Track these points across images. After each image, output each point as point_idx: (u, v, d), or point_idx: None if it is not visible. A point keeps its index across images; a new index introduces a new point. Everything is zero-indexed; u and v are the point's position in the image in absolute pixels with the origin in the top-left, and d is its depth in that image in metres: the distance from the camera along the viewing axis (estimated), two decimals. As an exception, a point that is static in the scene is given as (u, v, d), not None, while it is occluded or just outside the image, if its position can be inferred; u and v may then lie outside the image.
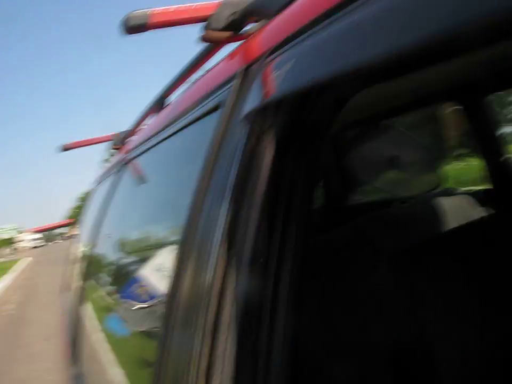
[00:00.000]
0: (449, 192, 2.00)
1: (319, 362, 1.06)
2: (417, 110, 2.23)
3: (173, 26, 0.95)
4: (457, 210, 1.84)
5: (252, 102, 0.65)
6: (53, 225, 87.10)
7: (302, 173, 0.63)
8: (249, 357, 0.58)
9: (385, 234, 1.52)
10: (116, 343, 1.42)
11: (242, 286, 0.58)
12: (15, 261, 29.30)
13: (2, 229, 65.86)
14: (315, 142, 0.65)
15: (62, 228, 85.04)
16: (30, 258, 30.73)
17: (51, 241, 78.42)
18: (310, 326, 1.19)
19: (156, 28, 0.93)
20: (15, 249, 58.93)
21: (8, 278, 16.95)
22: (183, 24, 0.94)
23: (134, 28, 0.89)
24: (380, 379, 0.98)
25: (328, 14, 0.47)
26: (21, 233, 74.93)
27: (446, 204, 1.89)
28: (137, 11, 0.88)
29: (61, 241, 71.74)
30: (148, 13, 0.87)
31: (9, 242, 66.38)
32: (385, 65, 0.40)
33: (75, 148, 2.24)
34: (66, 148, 2.24)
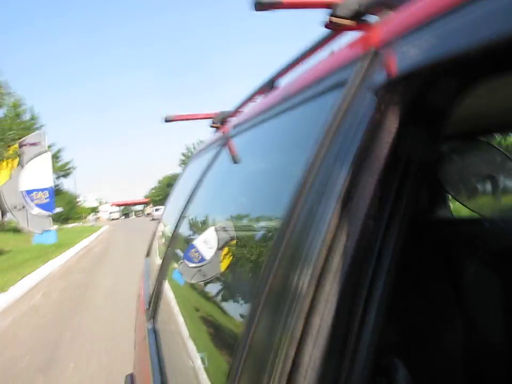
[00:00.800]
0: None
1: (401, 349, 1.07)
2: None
3: (300, 8, 0.99)
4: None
5: (378, 79, 0.68)
6: (130, 202, 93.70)
7: (420, 156, 0.66)
8: (340, 340, 0.60)
9: (469, 250, 1.50)
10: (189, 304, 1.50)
11: (351, 244, 0.61)
12: (99, 227, 39.51)
13: (85, 197, 69.96)
14: (434, 127, 0.67)
15: (137, 206, 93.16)
16: (107, 226, 40.98)
17: (125, 216, 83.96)
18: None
19: (284, 8, 0.97)
20: (98, 217, 62.50)
21: (95, 234, 28.24)
22: (310, 7, 0.97)
23: (263, 4, 0.94)
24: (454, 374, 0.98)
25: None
26: (101, 204, 79.76)
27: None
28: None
29: (134, 217, 78.93)
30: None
31: (94, 210, 70.58)
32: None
33: (177, 120, 2.32)
34: (168, 119, 2.32)
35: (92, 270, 11.91)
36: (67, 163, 44.33)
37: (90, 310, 6.94)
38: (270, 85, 1.51)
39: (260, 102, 1.54)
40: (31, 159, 18.74)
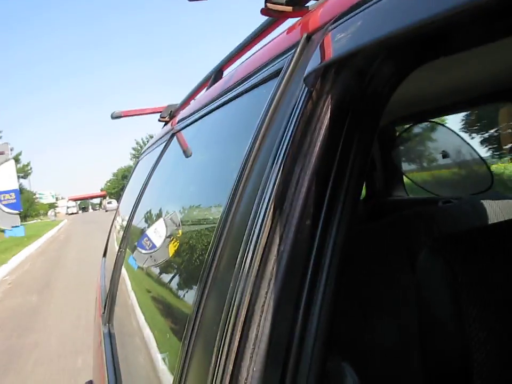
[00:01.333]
0: (497, 196, 1.94)
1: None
2: (471, 108, 2.19)
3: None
4: (503, 215, 1.80)
5: (312, 66, 0.65)
6: (87, 196, 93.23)
7: (356, 144, 0.63)
8: (290, 311, 0.57)
9: (428, 229, 1.51)
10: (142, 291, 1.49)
11: (288, 243, 0.58)
12: (59, 221, 43.20)
13: (42, 194, 69.65)
14: (371, 114, 0.65)
15: (95, 199, 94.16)
16: (66, 220, 44.66)
17: (83, 210, 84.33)
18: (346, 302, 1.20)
19: None
20: (56, 213, 62.92)
21: (57, 227, 30.74)
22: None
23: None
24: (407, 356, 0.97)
25: None
26: (58, 200, 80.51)
27: (491, 207, 1.84)
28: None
29: (92, 210, 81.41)
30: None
31: (52, 206, 70.41)
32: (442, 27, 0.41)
33: (125, 116, 2.26)
34: (116, 116, 2.26)
35: (60, 249, 16.39)
36: (27, 165, 47.04)
37: (63, 268, 11.43)
38: (215, 76, 1.47)
39: (205, 94, 1.51)
40: (-2, 166, 21.41)
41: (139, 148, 65.06)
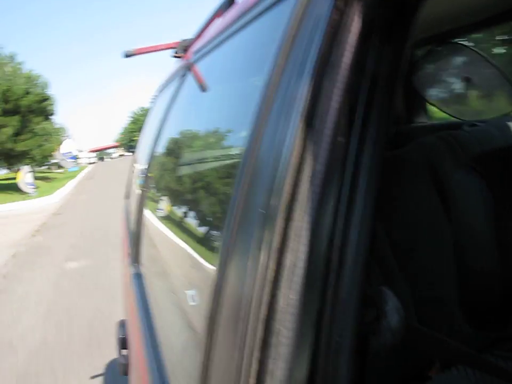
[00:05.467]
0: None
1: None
2: (496, 27, 2.08)
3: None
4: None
5: None
6: (104, 147, 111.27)
7: (386, 54, 0.59)
8: (326, 234, 0.55)
9: (453, 153, 1.47)
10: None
11: (321, 163, 0.56)
12: (83, 168, 60.05)
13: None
14: (402, 23, 0.60)
15: (110, 149, 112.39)
16: (89, 167, 61.87)
17: (101, 160, 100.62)
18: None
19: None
20: (79, 163, 71.40)
21: (84, 172, 47.33)
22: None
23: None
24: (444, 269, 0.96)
25: None
26: (80, 152, 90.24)
27: (518, 128, 1.79)
28: None
29: (109, 159, 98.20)
30: None
31: (76, 158, 79.57)
32: None
33: (138, 54, 2.18)
34: (129, 54, 2.18)
35: (93, 177, 33.83)
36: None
37: (97, 175, 35.73)
38: (227, 4, 1.41)
39: (219, 22, 1.45)
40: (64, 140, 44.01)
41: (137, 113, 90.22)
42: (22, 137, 26.35)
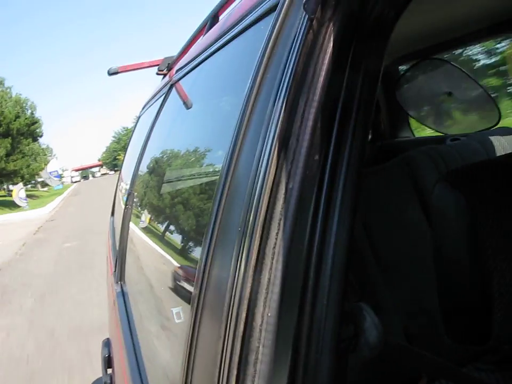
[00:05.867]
0: (505, 132, 1.90)
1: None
2: (477, 42, 2.12)
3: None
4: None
5: None
6: (87, 166, 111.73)
7: (363, 74, 0.59)
8: (302, 251, 0.55)
9: (436, 167, 1.49)
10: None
11: (296, 180, 0.56)
12: (67, 186, 63.35)
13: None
14: (377, 41, 0.61)
15: (94, 168, 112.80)
16: (73, 186, 65.07)
17: (85, 179, 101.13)
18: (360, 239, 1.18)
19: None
20: (63, 182, 71.95)
21: (69, 189, 47.79)
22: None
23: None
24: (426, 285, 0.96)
25: None
26: (64, 171, 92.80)
27: (500, 142, 1.81)
28: None
29: (92, 178, 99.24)
30: None
31: (61, 176, 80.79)
32: None
33: (122, 72, 2.18)
34: (113, 72, 2.17)
35: (78, 194, 35.79)
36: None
37: (82, 192, 37.36)
38: (211, 22, 1.42)
39: (202, 40, 1.45)
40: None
41: (117, 135, 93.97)
42: (13, 157, 29.70)
